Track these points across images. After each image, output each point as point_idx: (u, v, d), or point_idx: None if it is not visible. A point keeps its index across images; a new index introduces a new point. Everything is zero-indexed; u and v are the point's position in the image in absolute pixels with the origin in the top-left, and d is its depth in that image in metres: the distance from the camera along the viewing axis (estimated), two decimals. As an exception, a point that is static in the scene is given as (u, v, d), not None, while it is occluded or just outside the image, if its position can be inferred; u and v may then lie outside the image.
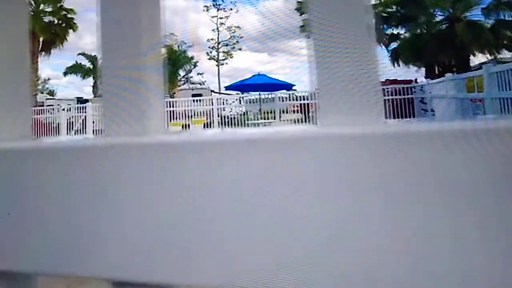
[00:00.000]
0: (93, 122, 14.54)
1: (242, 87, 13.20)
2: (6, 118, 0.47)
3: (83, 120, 14.59)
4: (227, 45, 28.28)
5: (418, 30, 13.63)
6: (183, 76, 29.00)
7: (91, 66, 29.23)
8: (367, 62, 0.34)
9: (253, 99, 13.18)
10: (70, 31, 20.88)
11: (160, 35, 0.44)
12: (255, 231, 0.33)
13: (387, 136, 0.31)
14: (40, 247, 0.41)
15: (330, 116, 0.34)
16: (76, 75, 29.18)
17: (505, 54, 12.65)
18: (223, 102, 13.26)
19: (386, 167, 0.30)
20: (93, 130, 14.34)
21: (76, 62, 28.99)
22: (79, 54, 29.10)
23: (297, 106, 12.78)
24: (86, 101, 18.19)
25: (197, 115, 12.98)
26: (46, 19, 20.57)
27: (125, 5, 0.42)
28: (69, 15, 21.07)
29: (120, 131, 0.41)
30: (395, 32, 14.23)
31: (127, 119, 0.41)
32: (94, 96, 26.91)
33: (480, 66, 10.27)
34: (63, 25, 21.06)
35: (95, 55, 29.64)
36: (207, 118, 12.68)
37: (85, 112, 14.44)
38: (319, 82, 0.35)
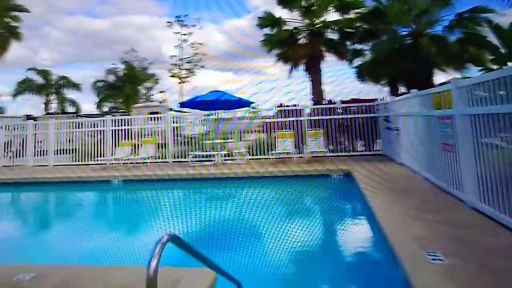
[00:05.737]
0: (39, 142, 13.05)
1: (198, 104, 12.01)
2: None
3: (23, 139, 13.06)
4: (189, 62, 27.69)
5: (381, 46, 13.18)
6: (144, 94, 27.77)
7: (44, 82, 27.24)
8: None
9: (212, 118, 12.22)
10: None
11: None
12: None
13: None
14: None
15: None
16: (29, 92, 27.06)
17: (472, 72, 12.21)
18: (175, 122, 12.25)
19: None
20: (35, 152, 12.82)
21: (27, 77, 26.92)
22: (29, 69, 27.11)
23: (259, 126, 12.07)
24: (36, 118, 16.55)
25: (153, 135, 12.10)
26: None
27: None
28: (13, 23, 19.15)
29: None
30: (358, 48, 13.76)
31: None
32: (46, 113, 24.90)
33: (444, 83, 9.75)
34: (6, 34, 19.08)
35: (47, 70, 27.81)
36: (161, 138, 11.80)
37: (27, 130, 12.93)
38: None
